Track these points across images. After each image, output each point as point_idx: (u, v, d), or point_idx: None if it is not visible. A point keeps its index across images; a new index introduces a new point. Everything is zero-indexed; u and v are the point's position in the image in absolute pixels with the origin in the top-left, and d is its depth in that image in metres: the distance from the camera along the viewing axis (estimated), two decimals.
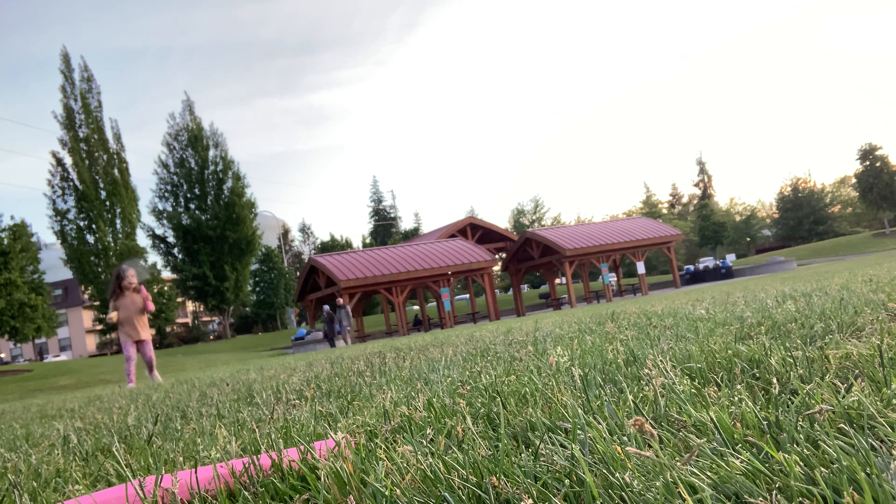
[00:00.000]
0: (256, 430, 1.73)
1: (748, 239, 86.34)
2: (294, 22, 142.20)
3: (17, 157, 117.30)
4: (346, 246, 69.12)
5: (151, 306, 8.66)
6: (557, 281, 46.63)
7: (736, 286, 10.42)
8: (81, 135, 47.63)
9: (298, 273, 36.13)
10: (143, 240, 64.10)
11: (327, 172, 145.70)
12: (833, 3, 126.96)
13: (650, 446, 0.98)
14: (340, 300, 22.13)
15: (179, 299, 53.33)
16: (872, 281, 4.44)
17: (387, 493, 0.96)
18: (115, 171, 48.43)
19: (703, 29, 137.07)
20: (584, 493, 0.84)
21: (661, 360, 1.76)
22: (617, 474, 0.86)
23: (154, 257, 59.94)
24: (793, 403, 1.11)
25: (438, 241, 35.57)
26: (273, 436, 1.58)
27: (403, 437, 1.35)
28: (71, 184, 47.11)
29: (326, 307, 23.34)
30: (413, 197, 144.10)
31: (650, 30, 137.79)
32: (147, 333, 8.73)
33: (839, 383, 1.21)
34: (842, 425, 0.95)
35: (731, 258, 52.86)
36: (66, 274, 54.30)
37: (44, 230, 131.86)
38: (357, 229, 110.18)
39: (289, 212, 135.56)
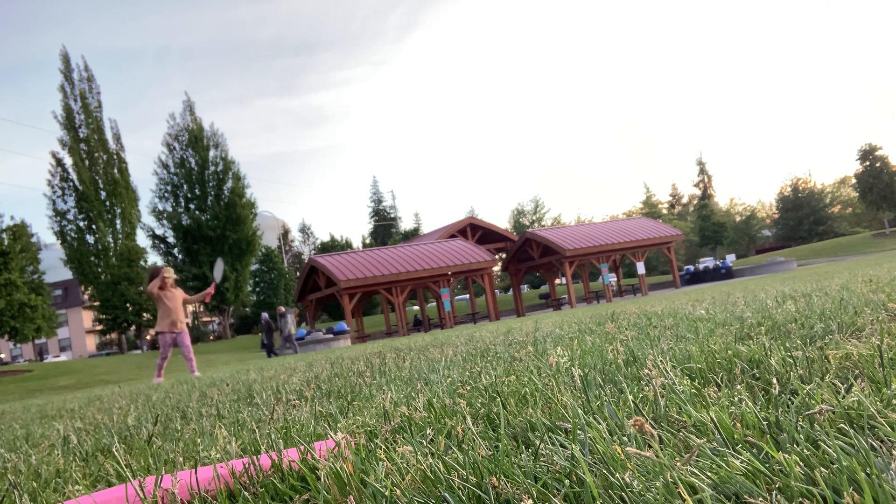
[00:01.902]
0: (256, 431, 1.73)
1: (748, 239, 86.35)
2: (293, 22, 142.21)
3: (17, 157, 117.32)
4: (346, 246, 69.11)
5: (208, 299, 9.41)
6: (557, 281, 46.66)
7: (736, 286, 10.42)
8: (81, 135, 47.68)
9: (298, 273, 36.15)
10: (143, 240, 64.15)
11: (327, 172, 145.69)
12: (833, 3, 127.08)
13: (650, 446, 0.98)
14: (282, 308, 21.00)
15: None
16: (872, 281, 4.44)
17: (387, 493, 0.96)
18: (115, 172, 48.48)
19: (702, 28, 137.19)
20: (584, 494, 0.84)
21: (661, 361, 1.76)
22: (617, 474, 0.86)
23: (154, 257, 59.91)
24: (793, 404, 1.11)
25: (438, 241, 35.58)
26: (273, 436, 1.58)
27: (403, 438, 1.35)
28: (71, 184, 47.14)
29: (265, 315, 21.86)
30: (413, 197, 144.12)
31: (650, 29, 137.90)
32: (185, 325, 9.34)
33: (839, 383, 1.21)
34: (842, 425, 0.95)
35: (731, 258, 52.86)
36: (66, 274, 54.32)
37: (44, 230, 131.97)
38: (357, 229, 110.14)
39: (289, 212, 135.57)
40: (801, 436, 0.92)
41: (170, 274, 9.16)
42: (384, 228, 78.80)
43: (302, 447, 1.25)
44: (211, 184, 50.78)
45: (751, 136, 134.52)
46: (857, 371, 1.30)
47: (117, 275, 45.37)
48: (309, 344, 25.07)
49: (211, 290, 9.23)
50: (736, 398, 1.21)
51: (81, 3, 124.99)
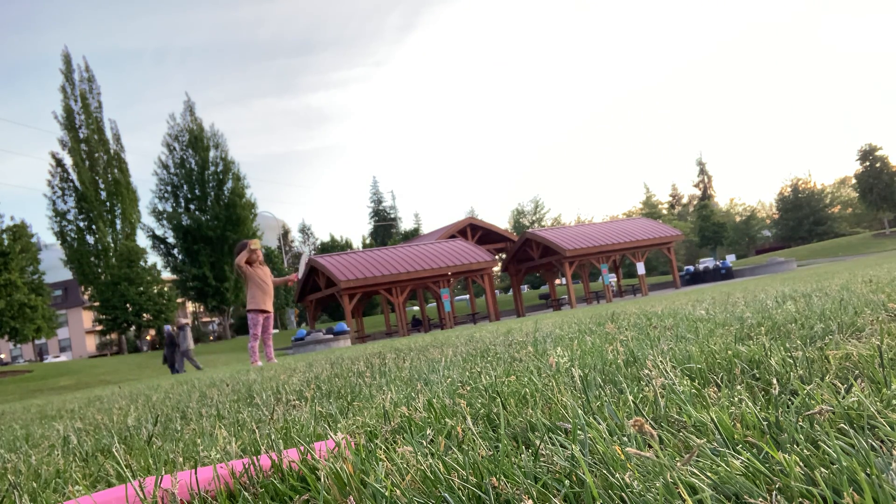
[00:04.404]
0: (256, 431, 1.73)
1: (748, 239, 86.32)
2: (291, 22, 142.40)
3: (17, 158, 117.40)
4: (346, 246, 69.13)
5: (291, 283, 9.38)
6: (557, 281, 46.65)
7: (736, 287, 10.42)
8: (82, 135, 47.69)
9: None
10: (143, 240, 64.09)
11: (327, 173, 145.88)
12: (833, 3, 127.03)
13: (650, 447, 0.97)
14: (183, 320, 20.15)
15: (179, 300, 53.32)
16: (872, 281, 4.44)
17: (387, 493, 0.96)
18: (115, 172, 48.47)
19: (702, 29, 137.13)
20: (584, 494, 0.84)
21: (661, 361, 1.76)
22: (617, 475, 0.86)
23: (154, 258, 59.91)
24: (793, 404, 1.11)
25: (438, 241, 35.57)
26: (273, 436, 1.58)
27: (403, 438, 1.35)
28: (71, 184, 47.15)
29: (168, 328, 20.73)
30: (413, 197, 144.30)
31: (650, 30, 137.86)
32: (272, 307, 9.23)
33: (839, 384, 1.21)
34: (842, 425, 0.94)
35: (730, 259, 52.86)
36: (66, 274, 54.33)
37: (44, 231, 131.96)
38: (357, 230, 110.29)
39: (289, 212, 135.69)
40: (801, 436, 0.92)
41: (256, 246, 8.86)
42: (384, 229, 78.77)
43: (302, 447, 1.25)
44: (211, 184, 50.76)
45: (751, 136, 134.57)
46: (857, 371, 1.30)
47: (117, 275, 45.35)
48: (309, 344, 25.09)
49: (294, 277, 9.11)
50: (736, 398, 1.21)
51: (81, 3, 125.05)
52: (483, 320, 34.66)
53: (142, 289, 45.83)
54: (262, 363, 8.26)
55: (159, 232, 51.29)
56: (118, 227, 48.44)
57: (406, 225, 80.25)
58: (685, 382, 1.43)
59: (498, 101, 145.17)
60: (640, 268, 36.33)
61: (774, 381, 1.26)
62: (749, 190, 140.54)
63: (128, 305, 45.66)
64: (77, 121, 47.64)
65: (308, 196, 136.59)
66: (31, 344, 58.41)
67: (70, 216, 47.02)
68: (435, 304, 40.07)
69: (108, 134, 49.24)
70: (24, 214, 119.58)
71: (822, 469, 0.78)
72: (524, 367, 2.24)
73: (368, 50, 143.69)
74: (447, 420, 1.44)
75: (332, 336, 25.38)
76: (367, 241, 75.74)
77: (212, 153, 51.03)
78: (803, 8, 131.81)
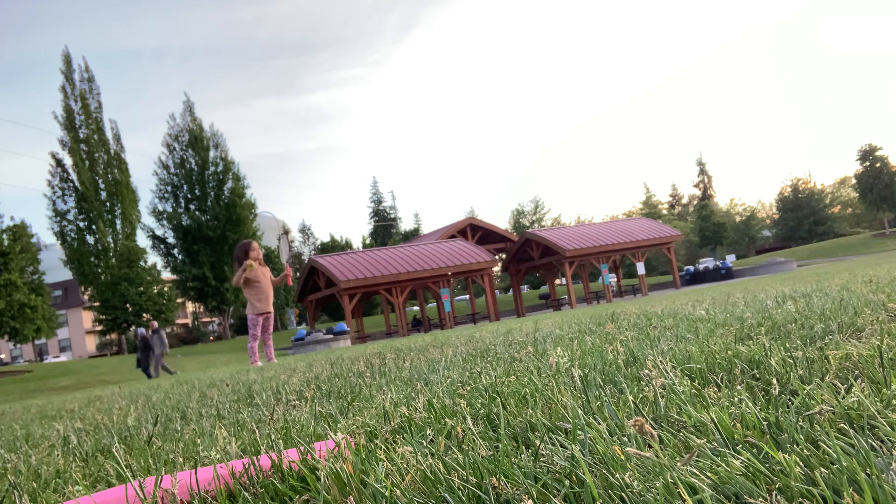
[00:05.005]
0: (256, 431, 1.72)
1: (748, 239, 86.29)
2: (291, 22, 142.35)
3: (17, 158, 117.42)
4: (345, 246, 69.11)
5: (290, 282, 9.16)
6: (557, 281, 46.65)
7: (736, 287, 10.41)
8: (81, 135, 47.73)
9: (298, 274, 36.24)
10: (143, 240, 64.12)
11: (327, 173, 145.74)
12: (832, 4, 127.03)
13: (650, 447, 0.97)
14: (155, 324, 19.71)
15: (179, 300, 53.32)
16: (872, 281, 4.44)
17: (387, 493, 0.96)
18: (116, 172, 48.50)
19: (702, 30, 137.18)
20: (584, 494, 0.84)
21: (661, 361, 1.76)
22: (617, 475, 0.86)
23: (154, 258, 59.93)
24: (793, 404, 1.11)
25: (438, 241, 35.58)
26: (273, 436, 1.58)
27: (403, 438, 1.35)
28: (71, 184, 47.17)
29: (141, 331, 20.36)
30: (413, 197, 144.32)
31: (651, 31, 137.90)
32: (272, 306, 9.10)
33: (839, 384, 1.21)
34: (842, 425, 0.94)
35: (731, 259, 52.86)
36: (66, 274, 54.33)
37: (44, 231, 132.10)
38: (357, 230, 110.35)
39: (289, 212, 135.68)
40: (801, 436, 0.92)
41: (250, 266, 8.76)
42: (384, 229, 78.78)
43: (302, 447, 1.25)
44: (211, 184, 50.78)
45: (751, 136, 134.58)
46: (857, 371, 1.30)
47: (117, 275, 45.35)
48: (309, 344, 25.09)
49: (288, 271, 8.94)
50: (736, 398, 1.21)
51: (81, 3, 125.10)
52: (483, 320, 34.66)
53: (142, 289, 45.83)
54: (262, 363, 8.25)
55: (159, 232, 51.32)
56: (118, 227, 48.47)
57: (406, 225, 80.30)
58: (685, 382, 1.43)
59: (498, 102, 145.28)
60: (640, 268, 36.33)
61: (774, 381, 1.26)
62: (749, 190, 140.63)
63: (128, 305, 45.66)
64: (77, 121, 47.65)
65: (308, 196, 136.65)
66: (31, 344, 58.39)
67: (70, 216, 47.04)
68: (435, 304, 40.07)
69: (109, 134, 49.28)
70: (24, 214, 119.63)
71: (822, 469, 0.78)
72: (524, 367, 2.24)
73: (368, 50, 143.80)
74: (447, 420, 1.44)
75: (332, 336, 25.39)
76: (367, 241, 75.73)
77: (212, 153, 51.05)
78: (803, 8, 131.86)
